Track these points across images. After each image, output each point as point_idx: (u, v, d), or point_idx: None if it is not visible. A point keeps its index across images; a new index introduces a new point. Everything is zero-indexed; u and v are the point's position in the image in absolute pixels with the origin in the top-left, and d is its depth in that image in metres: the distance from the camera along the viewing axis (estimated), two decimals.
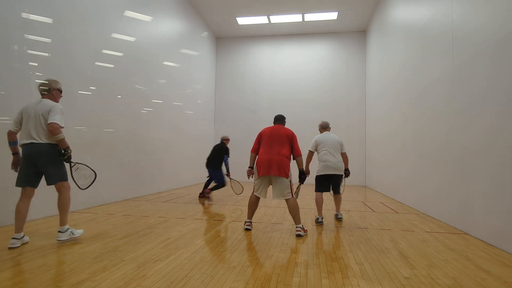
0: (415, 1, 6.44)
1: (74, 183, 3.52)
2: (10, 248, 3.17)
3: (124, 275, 2.52)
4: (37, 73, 4.60)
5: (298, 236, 3.87)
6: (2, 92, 4.10)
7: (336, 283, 2.47)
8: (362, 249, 3.41)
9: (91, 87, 5.68)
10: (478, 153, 3.90)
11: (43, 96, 3.60)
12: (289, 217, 5.09)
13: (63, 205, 3.47)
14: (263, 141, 4.27)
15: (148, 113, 7.66)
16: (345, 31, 12.06)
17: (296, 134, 4.30)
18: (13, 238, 3.24)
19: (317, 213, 4.82)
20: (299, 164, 4.21)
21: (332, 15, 10.72)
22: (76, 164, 3.61)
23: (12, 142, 3.47)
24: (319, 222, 4.64)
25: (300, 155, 4.21)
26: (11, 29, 4.23)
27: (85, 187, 3.62)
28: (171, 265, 2.77)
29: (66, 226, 3.46)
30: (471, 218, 4.06)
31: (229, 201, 6.82)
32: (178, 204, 6.33)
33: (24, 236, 3.36)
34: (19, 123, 3.43)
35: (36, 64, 4.59)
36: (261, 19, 11.17)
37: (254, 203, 4.27)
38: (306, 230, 4.10)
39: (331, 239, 3.79)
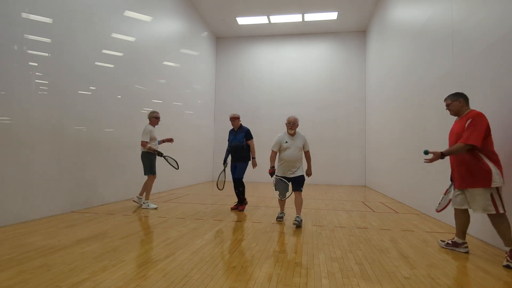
0: (415, 1, 6.44)
1: (170, 166, 5.90)
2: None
3: (124, 275, 2.52)
4: (37, 73, 4.60)
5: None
6: (2, 92, 4.10)
7: (336, 283, 2.47)
8: (362, 249, 3.40)
9: (91, 87, 5.68)
10: None
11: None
12: (288, 217, 5.08)
13: (145, 187, 5.82)
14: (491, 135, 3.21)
15: (148, 113, 7.65)
16: (345, 31, 12.05)
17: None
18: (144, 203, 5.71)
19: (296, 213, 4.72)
20: None
21: (332, 15, 10.71)
22: (166, 156, 5.86)
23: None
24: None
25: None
26: (11, 29, 4.23)
27: (177, 167, 5.94)
28: (171, 265, 2.78)
29: (146, 200, 5.78)
30: (471, 218, 4.05)
31: (229, 201, 6.82)
32: (178, 204, 6.33)
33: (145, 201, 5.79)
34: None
35: (36, 64, 4.59)
36: (261, 19, 11.16)
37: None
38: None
39: (331, 239, 3.79)
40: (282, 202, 4.85)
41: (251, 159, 5.75)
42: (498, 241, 3.50)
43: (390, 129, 8.20)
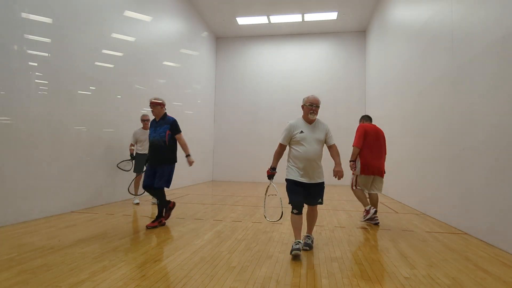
0: (415, 1, 6.44)
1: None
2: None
3: (124, 275, 2.52)
4: (37, 73, 4.60)
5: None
6: (2, 92, 4.10)
7: (336, 283, 2.47)
8: (362, 249, 3.41)
9: (91, 87, 5.68)
10: (478, 152, 3.90)
11: None
12: (288, 217, 5.07)
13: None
14: (369, 141, 4.58)
15: (148, 113, 7.65)
16: (345, 31, 12.04)
17: None
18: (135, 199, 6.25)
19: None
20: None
21: (332, 15, 10.70)
22: (124, 163, 6.19)
23: None
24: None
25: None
26: (11, 29, 4.23)
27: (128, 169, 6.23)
28: (171, 265, 2.78)
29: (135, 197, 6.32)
30: (471, 218, 4.06)
31: (229, 201, 6.82)
32: (178, 204, 6.33)
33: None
34: None
35: (36, 64, 4.59)
36: (261, 19, 11.16)
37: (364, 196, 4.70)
38: None
39: (331, 239, 3.79)
40: (298, 220, 3.24)
41: (176, 161, 4.41)
42: (498, 241, 3.51)
43: (390, 129, 8.19)
